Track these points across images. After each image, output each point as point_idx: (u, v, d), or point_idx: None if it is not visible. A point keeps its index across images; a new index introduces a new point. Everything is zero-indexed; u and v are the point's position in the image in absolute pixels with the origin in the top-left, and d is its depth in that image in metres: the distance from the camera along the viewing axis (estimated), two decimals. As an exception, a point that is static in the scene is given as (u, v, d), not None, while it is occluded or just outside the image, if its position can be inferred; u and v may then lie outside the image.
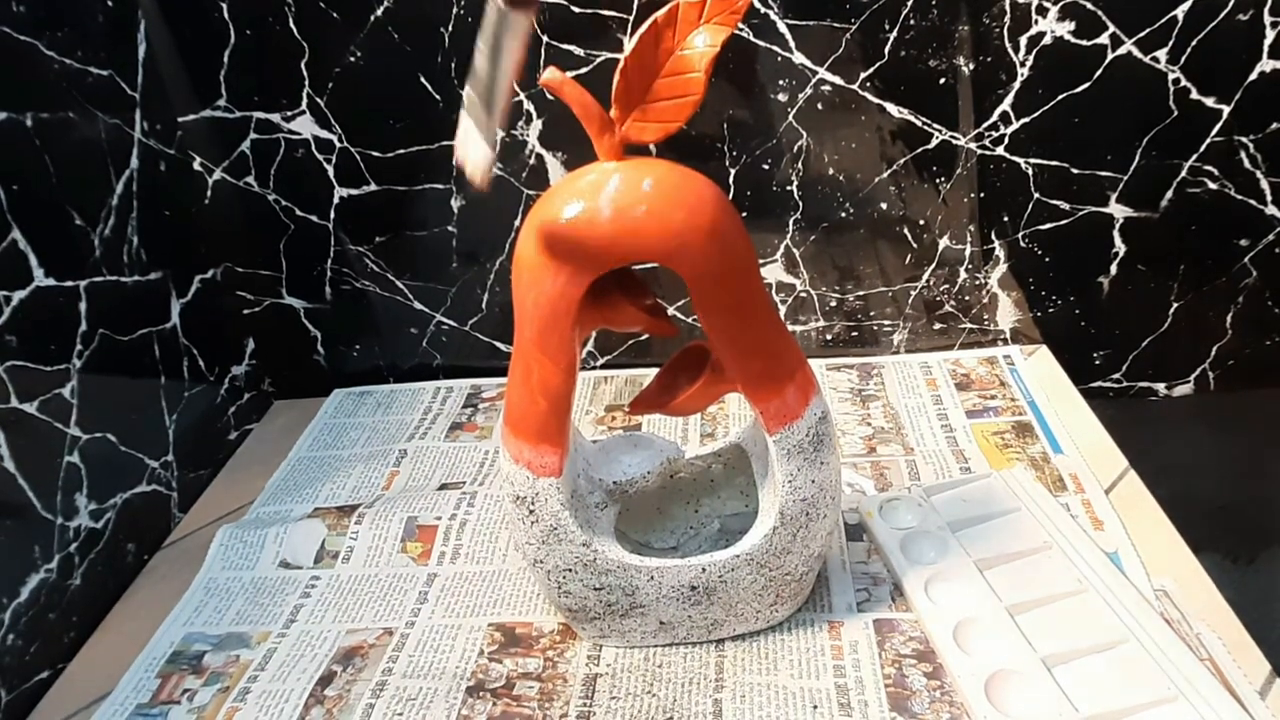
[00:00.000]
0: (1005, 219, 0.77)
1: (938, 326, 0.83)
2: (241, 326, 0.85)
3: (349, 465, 0.76)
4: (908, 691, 0.51)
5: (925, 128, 0.74)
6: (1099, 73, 0.70)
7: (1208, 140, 0.72)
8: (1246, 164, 0.73)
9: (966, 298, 0.81)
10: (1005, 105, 0.72)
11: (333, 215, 0.80)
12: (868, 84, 0.72)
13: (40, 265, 0.60)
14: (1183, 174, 0.74)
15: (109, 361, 0.66)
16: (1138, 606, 0.53)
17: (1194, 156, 0.73)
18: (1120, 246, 0.77)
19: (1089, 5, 0.68)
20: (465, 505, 0.68)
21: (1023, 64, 0.71)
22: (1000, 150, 0.74)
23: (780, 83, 0.73)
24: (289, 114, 0.76)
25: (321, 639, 0.59)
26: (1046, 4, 0.69)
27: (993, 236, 0.78)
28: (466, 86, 0.41)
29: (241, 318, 0.85)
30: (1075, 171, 0.74)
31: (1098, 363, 0.83)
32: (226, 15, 0.72)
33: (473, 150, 0.40)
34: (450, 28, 0.72)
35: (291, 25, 0.73)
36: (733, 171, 0.76)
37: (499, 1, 0.38)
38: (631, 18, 0.71)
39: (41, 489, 0.60)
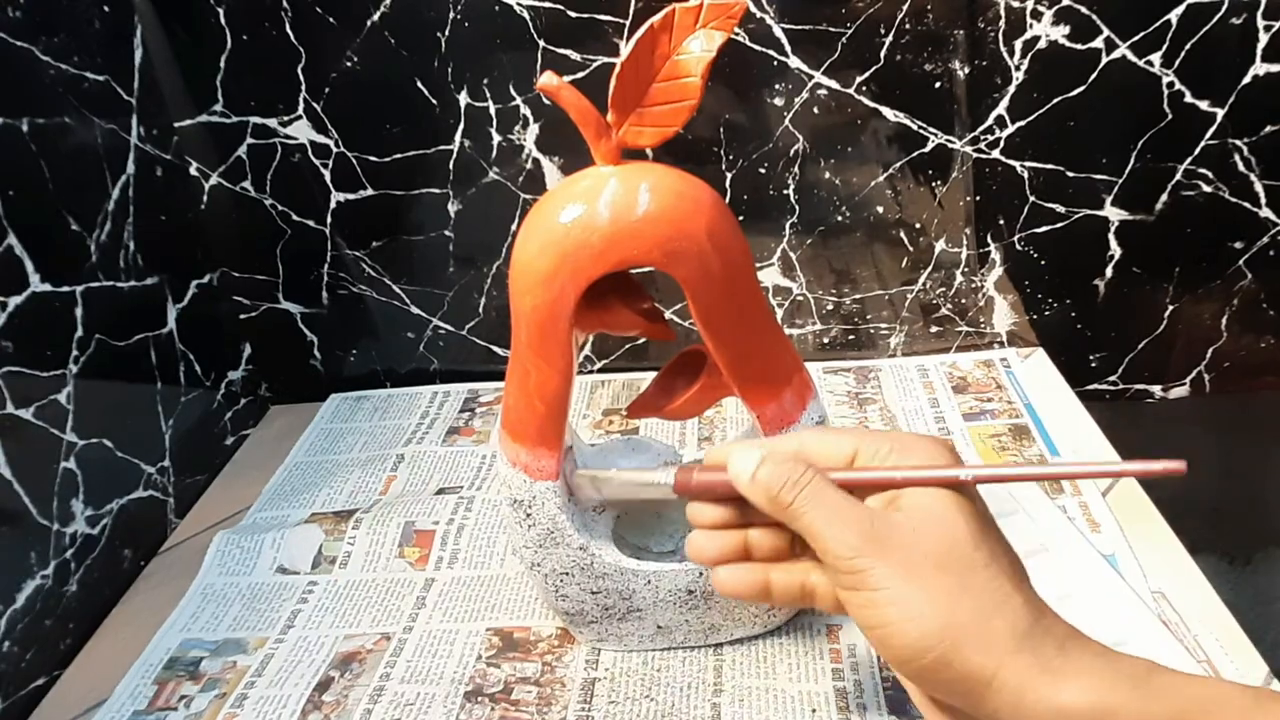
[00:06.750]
0: (1001, 222, 0.77)
1: (934, 329, 0.83)
2: (238, 331, 0.85)
3: (346, 470, 0.76)
4: (906, 695, 0.51)
5: (921, 131, 0.74)
6: (1094, 76, 0.71)
7: (1202, 143, 0.73)
8: (1241, 167, 0.73)
9: (963, 301, 0.81)
10: (1000, 109, 0.73)
11: (329, 220, 0.80)
12: (864, 88, 0.73)
13: (36, 270, 0.60)
14: (1177, 177, 0.74)
15: (105, 367, 0.66)
16: (1134, 609, 0.53)
17: (1188, 160, 0.73)
18: (1116, 249, 0.78)
19: (1083, 9, 0.69)
20: (463, 510, 0.68)
21: (1018, 68, 0.71)
22: (996, 154, 0.74)
23: (776, 87, 0.73)
24: (285, 119, 0.76)
25: (319, 644, 0.59)
26: (1041, 8, 0.69)
27: (988, 239, 0.78)
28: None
29: (238, 323, 0.85)
30: (1070, 175, 0.75)
31: (1094, 365, 0.83)
32: (223, 20, 0.72)
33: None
34: (447, 32, 0.72)
35: (288, 30, 0.73)
36: (729, 175, 0.76)
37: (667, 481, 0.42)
38: (628, 22, 0.71)
39: (37, 495, 0.60)
